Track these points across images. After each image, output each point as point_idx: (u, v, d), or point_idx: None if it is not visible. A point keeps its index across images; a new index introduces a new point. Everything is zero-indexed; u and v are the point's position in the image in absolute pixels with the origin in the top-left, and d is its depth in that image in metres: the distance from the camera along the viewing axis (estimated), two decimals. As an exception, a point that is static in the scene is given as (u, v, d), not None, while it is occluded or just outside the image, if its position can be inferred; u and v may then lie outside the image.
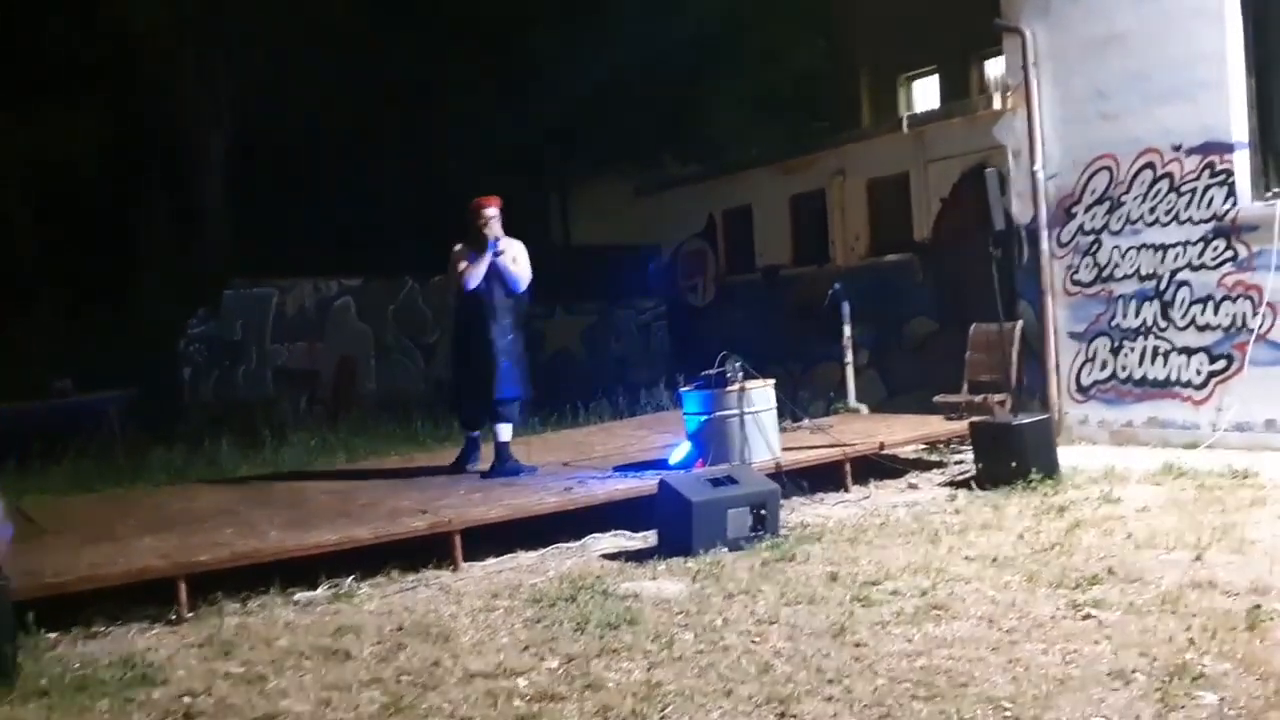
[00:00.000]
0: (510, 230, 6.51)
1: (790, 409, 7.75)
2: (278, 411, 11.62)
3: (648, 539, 5.45)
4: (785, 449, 6.47)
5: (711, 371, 6.29)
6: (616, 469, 6.37)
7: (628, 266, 13.59)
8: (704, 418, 6.26)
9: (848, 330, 8.62)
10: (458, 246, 6.40)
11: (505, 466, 6.40)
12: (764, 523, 5.15)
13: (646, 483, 5.70)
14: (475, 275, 6.32)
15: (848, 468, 6.51)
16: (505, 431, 6.49)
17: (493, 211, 6.40)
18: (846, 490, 6.45)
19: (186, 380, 11.64)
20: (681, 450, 6.32)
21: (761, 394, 6.28)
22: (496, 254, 6.31)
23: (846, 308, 8.54)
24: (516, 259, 6.43)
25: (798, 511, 5.94)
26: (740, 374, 6.26)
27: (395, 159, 14.07)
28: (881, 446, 6.78)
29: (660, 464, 6.31)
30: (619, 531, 5.60)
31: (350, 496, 6.11)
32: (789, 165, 10.86)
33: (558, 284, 13.73)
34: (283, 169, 13.80)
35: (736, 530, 5.07)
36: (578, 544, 5.46)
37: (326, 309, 12.33)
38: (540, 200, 16.47)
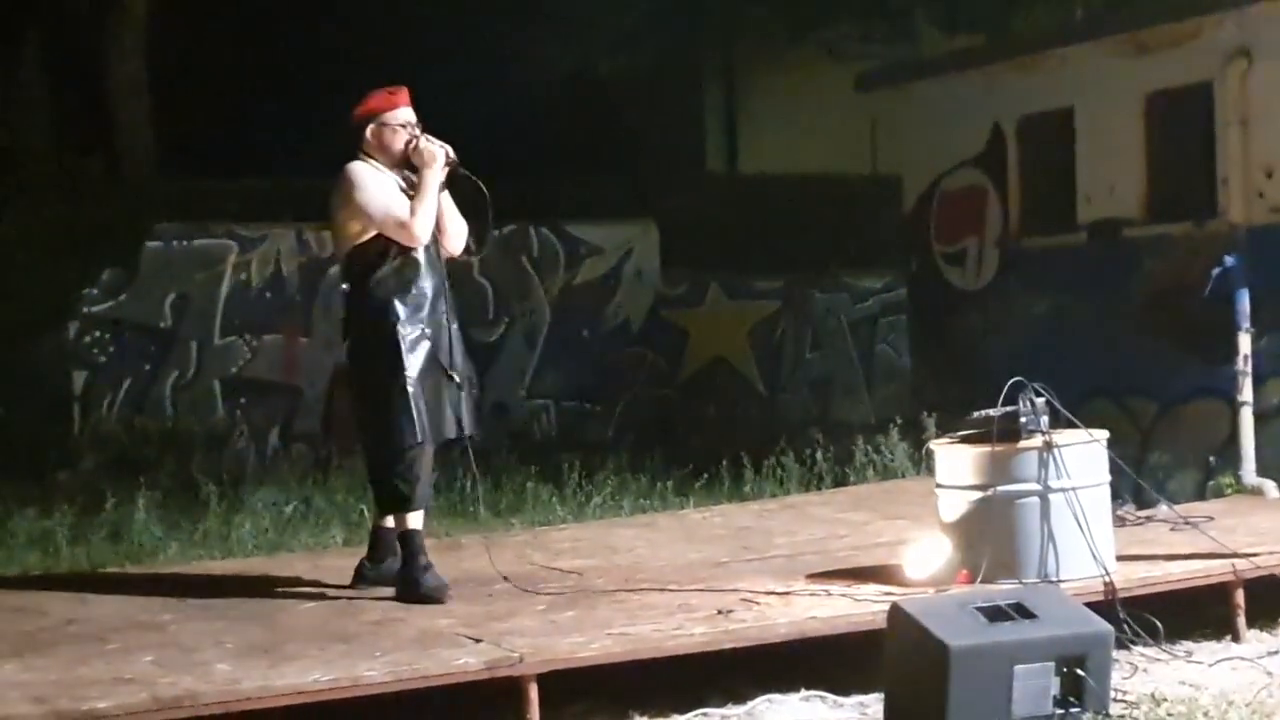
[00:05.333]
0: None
1: (1134, 484, 7.70)
2: (231, 453, 11.97)
3: (865, 709, 5.45)
4: (1123, 558, 6.44)
5: (990, 411, 6.29)
6: (811, 579, 6.45)
7: (840, 216, 13.56)
8: (974, 495, 6.28)
9: (1245, 342, 8.55)
10: (358, 165, 6.49)
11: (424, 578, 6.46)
12: (1083, 692, 5.13)
13: (865, 608, 5.74)
14: (425, 215, 6.47)
15: (1240, 598, 6.45)
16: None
17: (407, 114, 6.60)
18: (1236, 638, 6.41)
19: (77, 393, 12.11)
20: (931, 553, 6.34)
21: (1083, 456, 6.27)
22: (456, 166, 6.54)
23: (1244, 300, 8.49)
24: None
25: (1145, 673, 5.89)
26: (1043, 417, 6.24)
27: (439, 14, 14.28)
28: (1307, 560, 6.70)
29: (891, 576, 6.34)
30: (812, 692, 5.62)
31: (352, 607, 6.34)
32: (1143, 38, 10.71)
33: (714, 245, 13.75)
34: (251, 39, 14.24)
35: (1031, 703, 5.06)
36: (740, 710, 5.50)
37: (316, 277, 12.57)
38: (689, 99, 16.50)
